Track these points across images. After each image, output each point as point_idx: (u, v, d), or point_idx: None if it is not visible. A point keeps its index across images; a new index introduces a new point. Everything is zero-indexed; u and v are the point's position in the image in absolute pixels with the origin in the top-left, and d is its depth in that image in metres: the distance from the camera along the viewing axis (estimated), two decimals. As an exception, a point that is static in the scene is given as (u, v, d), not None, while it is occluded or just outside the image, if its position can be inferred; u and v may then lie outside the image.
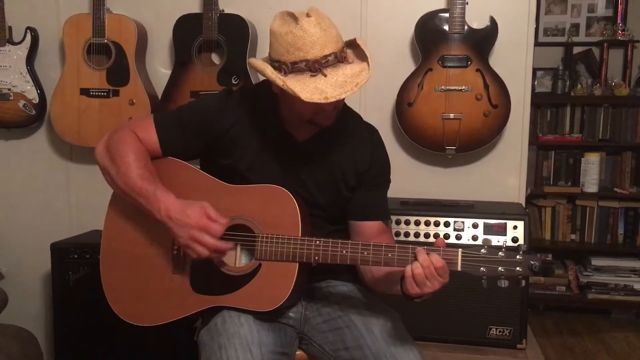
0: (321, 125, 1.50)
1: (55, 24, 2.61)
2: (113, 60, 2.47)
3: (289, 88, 1.35)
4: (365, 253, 1.43)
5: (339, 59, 1.39)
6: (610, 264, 3.62)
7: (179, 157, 1.59)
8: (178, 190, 1.50)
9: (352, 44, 1.47)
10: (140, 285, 1.56)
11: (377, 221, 1.63)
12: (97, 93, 2.50)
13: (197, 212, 1.43)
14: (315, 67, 1.36)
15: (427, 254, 1.35)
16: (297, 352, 1.61)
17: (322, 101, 1.34)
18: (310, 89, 1.35)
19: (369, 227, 1.62)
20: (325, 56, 1.37)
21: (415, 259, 1.35)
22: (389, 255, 1.41)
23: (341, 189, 1.60)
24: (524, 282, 1.37)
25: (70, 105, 2.51)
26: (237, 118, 1.56)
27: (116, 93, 2.48)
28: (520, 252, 1.35)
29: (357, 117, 1.69)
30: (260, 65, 1.42)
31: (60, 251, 2.39)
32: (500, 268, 1.34)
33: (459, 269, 1.36)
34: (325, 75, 1.36)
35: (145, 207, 1.47)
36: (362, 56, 1.43)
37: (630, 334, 3.43)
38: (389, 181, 1.70)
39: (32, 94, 2.60)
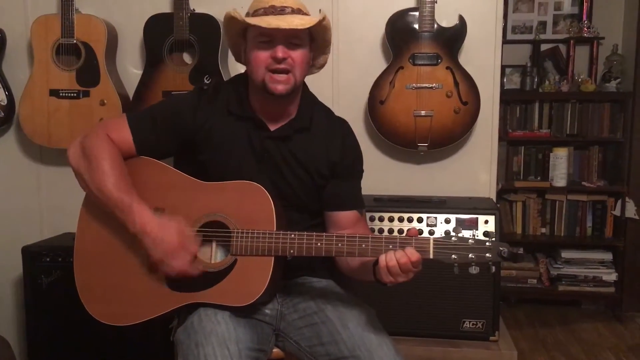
0: (273, 92, 1.50)
1: (23, 24, 2.57)
2: (83, 60, 2.44)
3: (238, 15, 1.48)
4: (340, 245, 1.45)
5: (295, 12, 1.49)
6: (580, 256, 3.70)
7: (154, 156, 1.59)
8: (153, 190, 1.50)
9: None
10: (115, 285, 1.55)
11: (352, 211, 1.66)
12: (67, 94, 2.47)
13: (173, 230, 1.45)
14: (270, 10, 1.48)
15: (403, 249, 1.38)
16: (274, 349, 1.62)
17: (263, 25, 1.44)
18: (256, 20, 1.47)
19: (344, 217, 1.64)
20: (283, 7, 1.48)
21: (390, 249, 1.38)
22: (363, 245, 1.44)
23: (314, 178, 1.62)
24: (494, 268, 1.42)
25: (39, 107, 2.47)
26: (211, 113, 1.58)
27: (86, 94, 2.46)
28: (490, 239, 1.39)
29: (328, 110, 1.72)
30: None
31: (32, 255, 2.35)
32: (470, 255, 1.38)
33: (431, 256, 1.39)
34: (274, 14, 1.47)
35: (119, 217, 1.48)
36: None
37: (600, 324, 3.51)
38: (361, 171, 1.73)
39: (0, 96, 2.56)
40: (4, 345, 2.43)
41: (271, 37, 1.49)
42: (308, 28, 1.49)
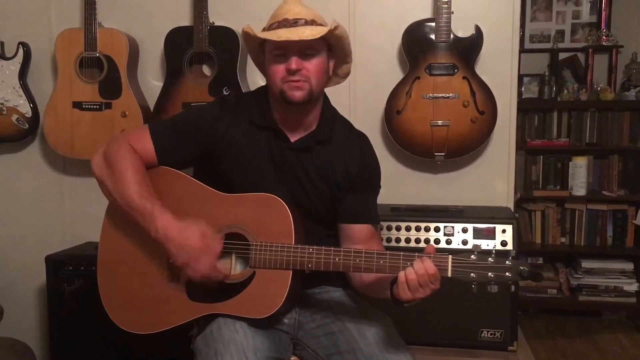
0: (291, 100, 1.53)
1: (47, 38, 2.63)
2: (105, 73, 2.49)
3: (251, 30, 1.52)
4: (358, 260, 1.45)
5: (308, 23, 1.51)
6: (600, 266, 3.67)
7: (175, 166, 1.62)
8: (172, 200, 1.52)
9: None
10: (137, 294, 1.58)
11: (367, 225, 1.66)
12: (89, 106, 2.52)
13: (195, 233, 1.46)
14: (283, 23, 1.50)
15: (420, 259, 1.38)
16: (292, 358, 1.63)
17: (274, 38, 1.48)
18: (269, 33, 1.51)
19: (359, 231, 1.65)
20: (296, 19, 1.51)
21: (409, 265, 1.38)
22: (381, 262, 1.44)
23: (332, 189, 1.63)
24: (513, 287, 1.39)
25: (63, 119, 2.53)
26: (231, 123, 1.60)
27: (109, 106, 2.50)
28: (510, 258, 1.38)
29: (348, 123, 1.73)
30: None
31: (55, 263, 2.39)
32: (489, 274, 1.37)
33: (450, 275, 1.38)
34: (286, 27, 1.50)
35: (141, 224, 1.50)
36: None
37: (621, 335, 3.47)
38: (379, 187, 1.73)
39: (25, 108, 2.62)
40: (28, 353, 2.47)
41: (285, 50, 1.51)
42: (324, 37, 1.51)
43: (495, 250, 1.41)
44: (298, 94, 1.52)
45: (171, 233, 1.46)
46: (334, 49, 1.59)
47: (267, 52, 1.56)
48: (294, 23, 1.50)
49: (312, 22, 1.52)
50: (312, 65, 1.53)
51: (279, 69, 1.52)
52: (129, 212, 1.51)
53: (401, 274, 1.38)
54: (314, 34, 1.47)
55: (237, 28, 2.44)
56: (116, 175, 1.53)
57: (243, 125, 1.61)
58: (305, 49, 1.51)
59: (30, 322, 2.81)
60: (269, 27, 1.54)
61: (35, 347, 2.62)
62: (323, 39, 1.51)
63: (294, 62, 1.50)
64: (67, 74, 2.51)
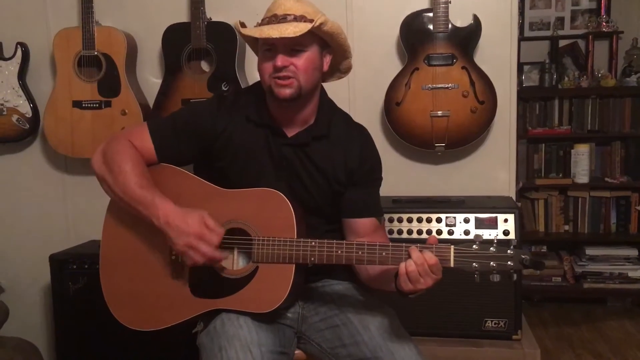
0: (279, 96, 1.52)
1: (45, 38, 2.64)
2: (104, 71, 2.49)
3: (238, 26, 1.53)
4: (360, 252, 1.45)
5: (297, 19, 1.49)
6: (604, 253, 3.67)
7: (175, 163, 1.62)
8: (174, 197, 1.52)
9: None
10: (140, 291, 1.58)
11: (371, 218, 1.66)
12: (89, 105, 2.52)
13: (196, 220, 1.46)
14: (272, 19, 1.50)
15: (420, 251, 1.38)
16: (296, 352, 1.64)
17: (256, 35, 1.48)
18: (253, 30, 1.51)
19: (363, 224, 1.65)
20: (285, 15, 1.49)
21: (409, 256, 1.38)
22: (383, 254, 1.44)
23: (332, 184, 1.63)
24: (515, 276, 1.40)
25: (63, 118, 2.53)
26: (230, 120, 1.60)
27: (108, 104, 2.51)
28: (512, 247, 1.38)
29: (347, 116, 1.73)
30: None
31: (59, 262, 2.40)
32: (492, 263, 1.37)
33: (452, 265, 1.38)
34: (273, 23, 1.49)
35: (144, 214, 1.50)
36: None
37: (626, 322, 3.47)
38: (380, 179, 1.73)
39: (25, 108, 2.63)
40: (34, 351, 2.49)
41: (272, 46, 1.51)
42: (315, 33, 1.50)
43: (497, 239, 1.40)
44: (285, 92, 1.52)
45: (172, 219, 1.46)
46: (330, 44, 1.58)
47: (259, 48, 1.57)
48: (282, 19, 1.49)
49: (301, 18, 1.49)
50: (301, 61, 1.51)
51: (267, 66, 1.52)
52: (130, 204, 1.51)
53: (401, 266, 1.38)
54: (296, 32, 1.45)
55: (235, 23, 2.43)
56: (116, 170, 1.53)
57: (241, 122, 1.61)
58: (293, 45, 1.50)
59: (36, 322, 2.82)
60: (261, 23, 1.53)
61: (41, 346, 2.64)
62: (314, 34, 1.50)
63: (279, 60, 1.49)
64: (66, 73, 2.52)
